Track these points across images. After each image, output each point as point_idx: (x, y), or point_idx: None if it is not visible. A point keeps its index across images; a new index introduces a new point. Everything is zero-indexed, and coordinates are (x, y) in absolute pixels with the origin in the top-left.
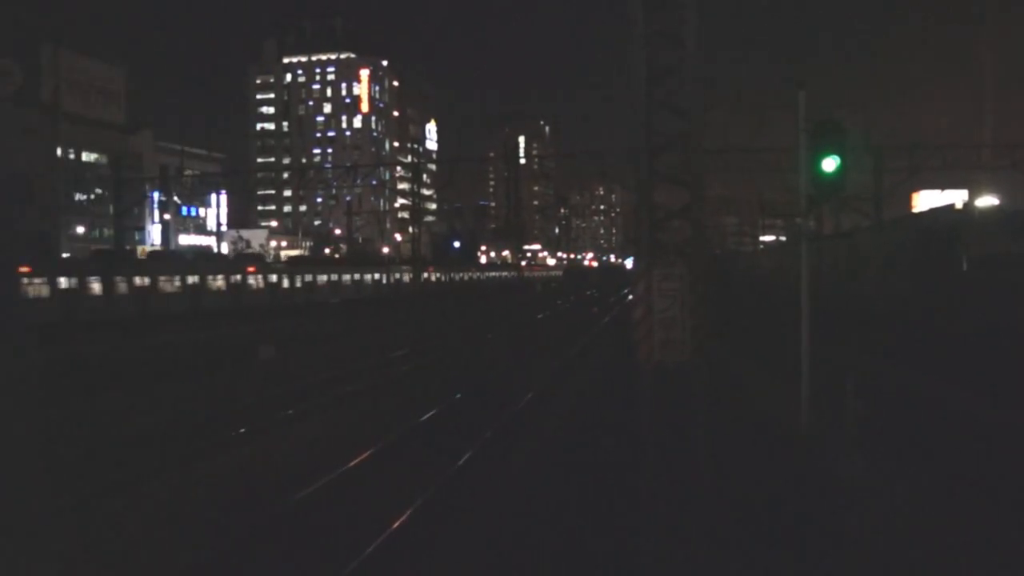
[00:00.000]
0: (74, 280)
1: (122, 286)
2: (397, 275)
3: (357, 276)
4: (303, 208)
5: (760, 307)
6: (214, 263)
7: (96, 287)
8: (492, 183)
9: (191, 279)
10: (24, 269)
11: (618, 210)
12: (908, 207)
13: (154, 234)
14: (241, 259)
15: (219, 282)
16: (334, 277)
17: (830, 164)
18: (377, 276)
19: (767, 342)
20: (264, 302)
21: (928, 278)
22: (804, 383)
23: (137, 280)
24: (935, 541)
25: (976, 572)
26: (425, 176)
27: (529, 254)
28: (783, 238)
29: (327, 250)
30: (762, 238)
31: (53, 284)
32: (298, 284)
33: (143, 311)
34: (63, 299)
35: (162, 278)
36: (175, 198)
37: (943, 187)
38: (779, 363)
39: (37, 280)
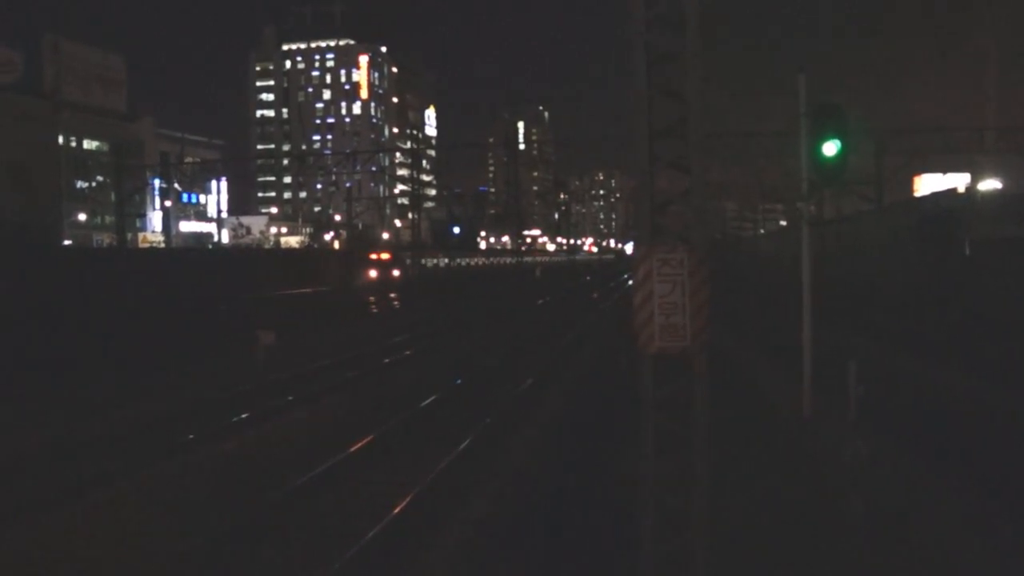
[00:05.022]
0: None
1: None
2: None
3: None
4: (303, 194)
5: (761, 292)
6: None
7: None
8: (491, 169)
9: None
10: (384, 256)
11: (618, 195)
12: (910, 191)
13: (155, 221)
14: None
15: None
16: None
17: (831, 148)
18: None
19: (769, 327)
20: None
21: (929, 262)
22: (806, 368)
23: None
24: (934, 523)
25: (970, 548)
26: (424, 162)
27: (528, 239)
28: (783, 222)
29: (327, 236)
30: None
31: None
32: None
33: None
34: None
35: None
36: (176, 185)
37: (945, 171)
38: (781, 348)
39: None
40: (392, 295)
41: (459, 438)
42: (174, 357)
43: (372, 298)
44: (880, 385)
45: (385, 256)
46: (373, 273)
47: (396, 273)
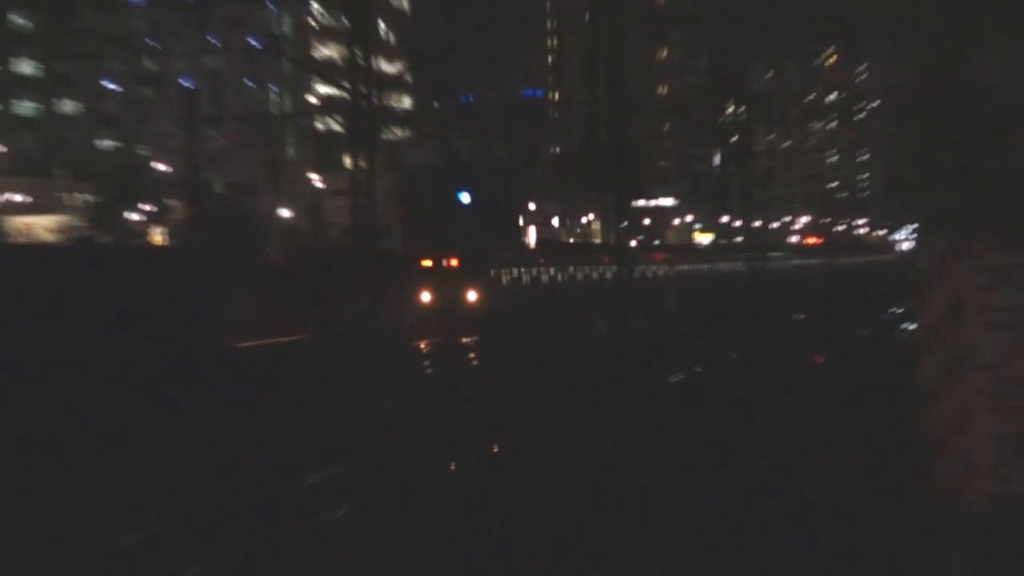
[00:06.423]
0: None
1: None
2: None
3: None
4: (67, 106)
5: None
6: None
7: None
8: (552, 51)
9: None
10: (452, 262)
11: (872, 106)
12: None
13: None
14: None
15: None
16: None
17: None
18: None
19: None
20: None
21: None
22: None
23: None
24: None
25: None
26: (383, 26)
27: (646, 220)
28: None
29: (135, 216)
30: None
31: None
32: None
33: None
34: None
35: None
36: None
37: None
38: None
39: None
40: (464, 338)
41: None
42: None
43: (424, 343)
44: None
45: (452, 262)
46: (426, 297)
47: (472, 296)
